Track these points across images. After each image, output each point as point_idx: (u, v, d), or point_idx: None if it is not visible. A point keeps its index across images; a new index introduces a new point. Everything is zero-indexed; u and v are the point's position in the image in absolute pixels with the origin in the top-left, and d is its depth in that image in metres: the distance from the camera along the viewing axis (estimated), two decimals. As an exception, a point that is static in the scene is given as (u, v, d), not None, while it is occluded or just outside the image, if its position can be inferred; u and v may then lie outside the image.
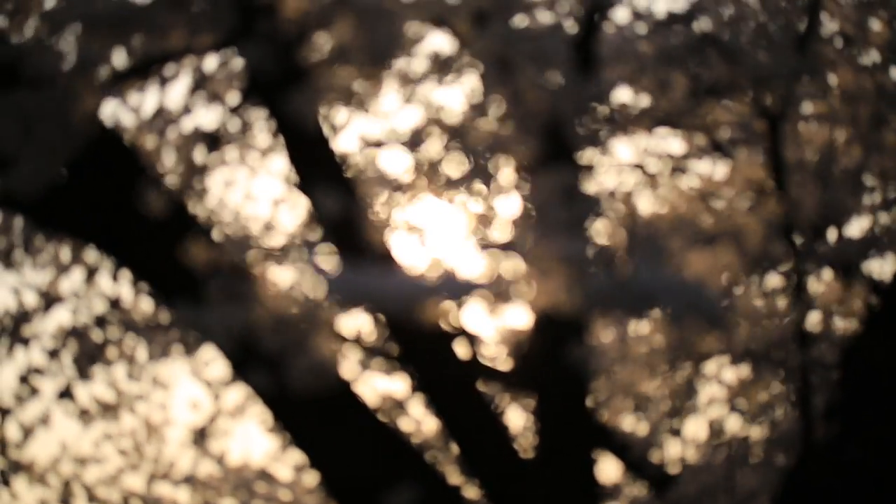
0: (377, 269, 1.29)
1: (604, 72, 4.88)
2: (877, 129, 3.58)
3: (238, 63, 2.76)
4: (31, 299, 6.48)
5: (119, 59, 2.96)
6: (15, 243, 6.13)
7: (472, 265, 1.36)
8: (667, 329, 3.91)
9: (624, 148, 5.49)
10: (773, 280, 4.00)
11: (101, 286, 6.51)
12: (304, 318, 3.53)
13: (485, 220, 3.04)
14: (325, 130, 3.62)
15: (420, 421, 5.67)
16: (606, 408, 5.71)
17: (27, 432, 6.14)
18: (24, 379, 5.92)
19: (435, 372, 3.66)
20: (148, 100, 5.77)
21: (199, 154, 4.74)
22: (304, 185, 3.70)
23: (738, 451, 5.15)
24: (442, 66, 2.84)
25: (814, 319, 4.69)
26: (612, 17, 5.29)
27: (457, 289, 1.24)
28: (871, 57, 3.58)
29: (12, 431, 6.19)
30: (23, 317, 6.06)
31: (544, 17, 4.57)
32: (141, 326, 6.45)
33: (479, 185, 2.87)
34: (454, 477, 3.79)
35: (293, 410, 3.53)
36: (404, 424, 3.93)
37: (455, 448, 3.74)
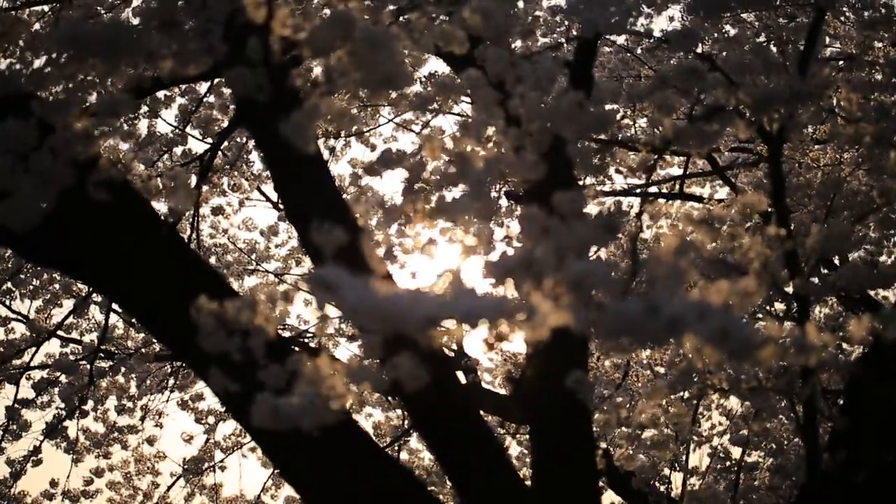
0: (376, 294, 1.23)
1: (602, 95, 4.84)
2: (881, 153, 3.52)
3: (228, 90, 2.72)
4: (21, 331, 6.42)
5: (109, 86, 2.91)
6: (5, 275, 6.08)
7: (475, 291, 1.31)
8: (671, 356, 3.85)
9: (625, 171, 5.47)
10: (777, 307, 3.94)
11: (93, 318, 6.46)
12: (300, 345, 3.47)
13: (486, 245, 2.96)
14: (319, 157, 3.57)
15: (419, 451, 5.60)
16: (609, 437, 5.65)
17: (18, 467, 6.07)
18: (14, 413, 5.85)
19: (434, 400, 3.59)
20: (139, 127, 5.73)
21: (192, 182, 4.68)
22: (296, 212, 3.63)
23: (742, 479, 5.08)
24: (438, 91, 2.79)
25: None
26: (611, 40, 5.28)
27: (463, 314, 1.19)
28: (875, 77, 3.53)
29: (2, 466, 6.12)
30: (12, 349, 6.00)
31: (543, 41, 4.54)
32: (133, 359, 6.39)
33: (478, 210, 2.80)
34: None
35: (286, 443, 3.46)
36: (403, 455, 3.85)
37: (455, 479, 3.67)
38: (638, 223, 2.31)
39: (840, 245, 3.29)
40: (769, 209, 2.89)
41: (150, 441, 6.96)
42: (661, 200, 5.33)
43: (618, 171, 4.38)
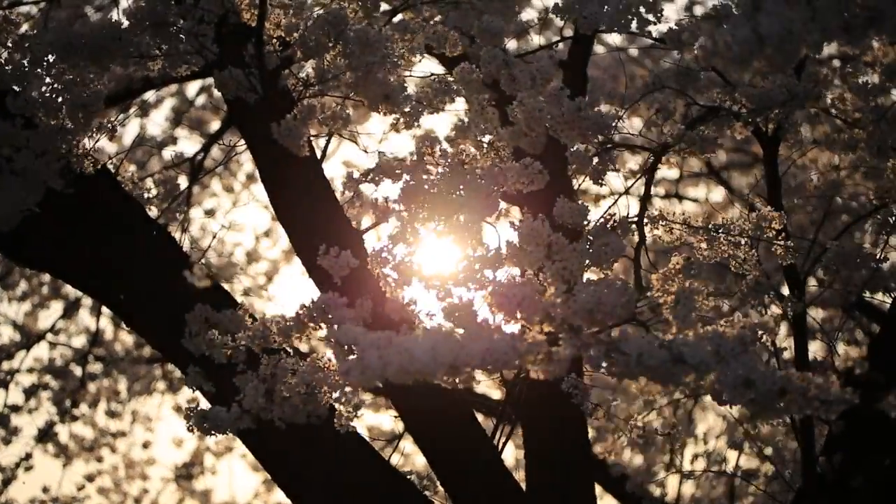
0: (395, 348, 1.20)
1: (598, 96, 4.80)
2: (878, 154, 3.49)
3: (219, 91, 2.67)
4: (9, 335, 6.37)
5: (100, 87, 2.87)
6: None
7: (488, 328, 1.27)
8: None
9: (623, 172, 5.42)
10: (774, 309, 3.91)
11: (81, 322, 6.40)
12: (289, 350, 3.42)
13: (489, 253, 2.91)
14: (311, 158, 3.52)
15: (412, 455, 5.56)
16: (603, 440, 5.61)
17: (10, 473, 6.01)
18: (3, 418, 5.79)
19: (427, 403, 3.55)
20: (129, 128, 5.68)
21: (182, 183, 4.63)
22: (287, 214, 3.59)
23: (737, 483, 5.05)
24: (436, 93, 2.75)
25: (814, 349, 4.60)
26: (605, 41, 5.24)
27: (483, 361, 1.16)
28: (871, 78, 3.49)
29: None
30: (0, 353, 5.94)
31: (537, 38, 4.50)
32: (122, 362, 6.34)
33: (480, 216, 2.76)
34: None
35: (278, 448, 3.42)
36: (396, 459, 3.81)
37: (448, 483, 3.63)
38: (640, 233, 2.26)
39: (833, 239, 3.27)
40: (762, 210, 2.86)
41: (145, 445, 6.91)
42: (658, 203, 5.30)
43: (614, 170, 4.32)
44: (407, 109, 2.37)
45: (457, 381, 1.42)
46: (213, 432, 2.20)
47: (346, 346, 1.20)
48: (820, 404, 1.21)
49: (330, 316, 1.77)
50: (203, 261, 3.40)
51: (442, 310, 1.57)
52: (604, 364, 1.19)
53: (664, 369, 1.16)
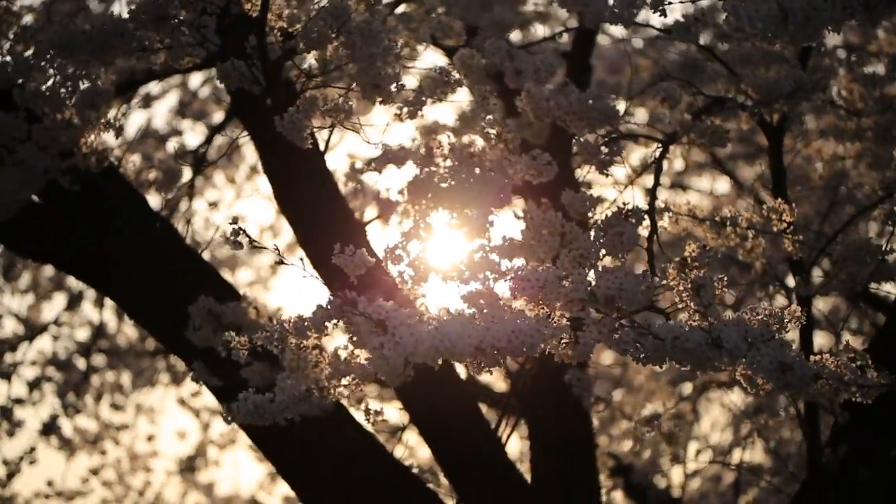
0: (425, 328, 1.20)
1: (602, 87, 4.78)
2: (883, 144, 3.48)
3: (221, 83, 2.65)
4: (12, 327, 6.35)
5: (101, 78, 2.86)
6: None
7: (511, 311, 1.26)
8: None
9: (626, 164, 5.38)
10: (778, 300, 3.90)
11: (85, 313, 6.39)
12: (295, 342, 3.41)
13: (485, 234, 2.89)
14: (314, 149, 3.50)
15: (416, 447, 5.55)
16: (609, 431, 5.61)
17: (12, 467, 6.00)
18: (7, 411, 5.78)
19: (432, 395, 3.55)
20: (132, 120, 5.67)
21: (185, 174, 4.62)
22: (290, 206, 3.58)
23: (743, 475, 5.04)
24: (437, 84, 2.74)
25: (820, 340, 4.60)
26: (609, 31, 5.22)
27: (508, 345, 1.15)
28: (876, 68, 3.48)
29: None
30: (3, 345, 5.92)
31: (540, 30, 4.49)
32: (126, 355, 6.33)
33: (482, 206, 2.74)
34: (453, 504, 3.67)
35: (284, 441, 3.41)
36: (400, 451, 3.81)
37: (452, 475, 3.63)
38: (652, 222, 2.24)
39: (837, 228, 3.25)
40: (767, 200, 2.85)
41: (149, 438, 6.91)
42: (663, 194, 5.26)
43: (619, 163, 4.29)
44: (409, 99, 2.35)
45: (481, 364, 1.40)
46: (258, 421, 2.17)
47: (372, 326, 1.20)
48: (857, 389, 1.22)
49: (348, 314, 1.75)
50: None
51: (462, 297, 1.55)
52: (629, 349, 1.18)
53: (700, 352, 1.17)
